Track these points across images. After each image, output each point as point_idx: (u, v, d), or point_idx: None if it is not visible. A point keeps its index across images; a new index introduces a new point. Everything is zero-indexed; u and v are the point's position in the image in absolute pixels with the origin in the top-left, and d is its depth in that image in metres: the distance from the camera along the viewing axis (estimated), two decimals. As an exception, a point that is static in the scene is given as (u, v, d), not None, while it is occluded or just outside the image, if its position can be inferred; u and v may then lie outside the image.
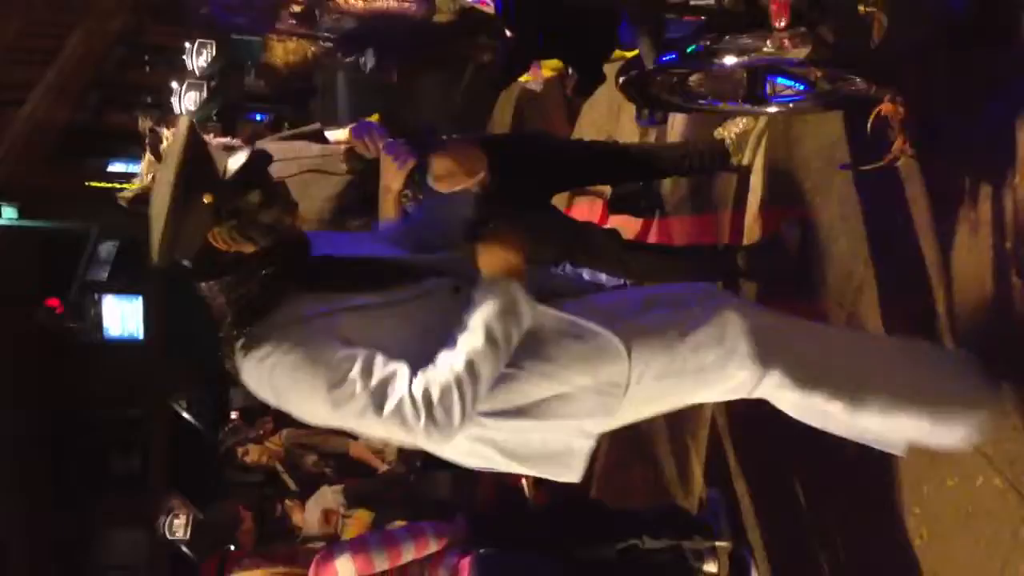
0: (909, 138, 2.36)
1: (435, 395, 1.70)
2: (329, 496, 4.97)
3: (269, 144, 2.67)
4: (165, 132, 1.78)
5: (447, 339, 1.75)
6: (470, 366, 1.72)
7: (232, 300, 1.76)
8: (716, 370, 1.88)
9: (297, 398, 1.76)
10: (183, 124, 1.72)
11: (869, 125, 2.41)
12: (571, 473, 1.92)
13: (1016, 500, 2.04)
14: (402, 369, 1.72)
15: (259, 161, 1.78)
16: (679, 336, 1.87)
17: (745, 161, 3.35)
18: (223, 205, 1.71)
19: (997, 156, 2.11)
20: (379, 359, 1.72)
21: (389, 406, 1.70)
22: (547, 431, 1.87)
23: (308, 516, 5.03)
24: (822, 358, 1.95)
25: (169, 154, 1.70)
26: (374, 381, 1.70)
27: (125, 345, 8.57)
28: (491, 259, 1.80)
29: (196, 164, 1.70)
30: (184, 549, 6.82)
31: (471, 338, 1.74)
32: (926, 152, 2.38)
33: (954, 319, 2.26)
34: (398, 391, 1.70)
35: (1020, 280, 2.05)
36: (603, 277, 3.89)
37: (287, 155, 2.59)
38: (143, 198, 1.75)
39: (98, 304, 8.59)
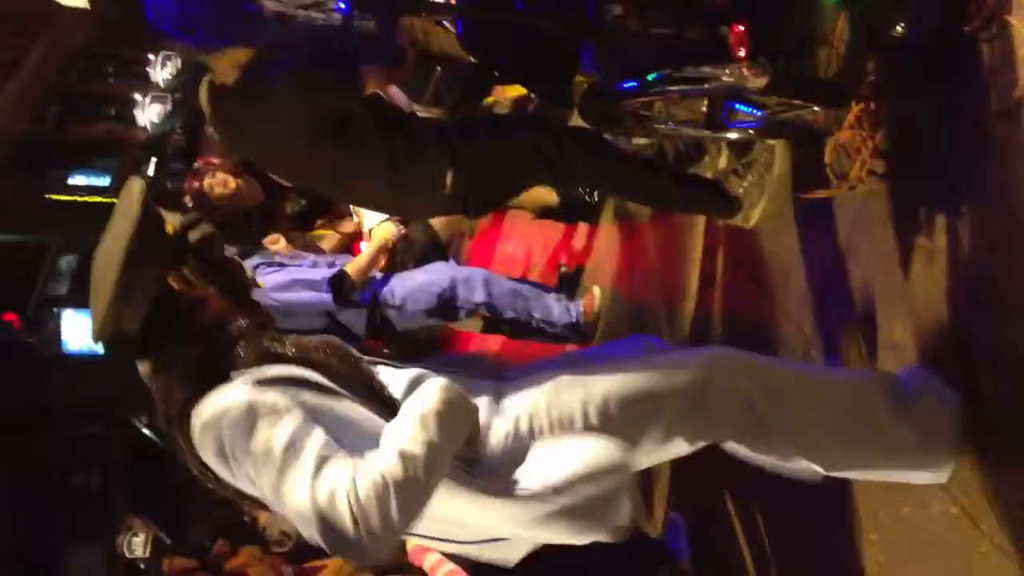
0: (867, 165, 2.39)
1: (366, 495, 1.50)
2: None
3: None
4: None
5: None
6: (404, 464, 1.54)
7: (187, 359, 1.66)
8: None
9: (249, 451, 1.58)
10: (135, 188, 1.70)
11: (827, 153, 2.44)
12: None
13: (970, 528, 2.06)
14: (347, 463, 1.56)
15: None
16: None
17: (751, 223, 3.04)
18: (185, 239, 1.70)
19: (951, 185, 2.14)
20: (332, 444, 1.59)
21: (323, 491, 1.51)
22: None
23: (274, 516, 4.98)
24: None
25: (121, 221, 1.67)
26: (322, 457, 1.55)
27: (84, 360, 8.43)
28: None
29: (148, 234, 1.66)
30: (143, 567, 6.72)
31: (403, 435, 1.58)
32: (882, 180, 2.41)
33: (909, 345, 2.28)
34: (339, 479, 1.52)
35: (972, 308, 2.07)
36: (553, 310, 3.91)
37: None
38: None
39: (57, 318, 8.45)
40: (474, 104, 2.81)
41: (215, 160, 4.07)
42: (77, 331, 8.37)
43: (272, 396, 1.60)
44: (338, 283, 3.65)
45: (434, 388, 1.65)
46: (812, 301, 2.72)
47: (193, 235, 1.73)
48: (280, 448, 1.55)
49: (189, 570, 4.81)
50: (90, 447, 9.11)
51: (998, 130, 2.02)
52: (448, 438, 1.60)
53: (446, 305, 3.82)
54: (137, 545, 6.82)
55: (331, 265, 3.80)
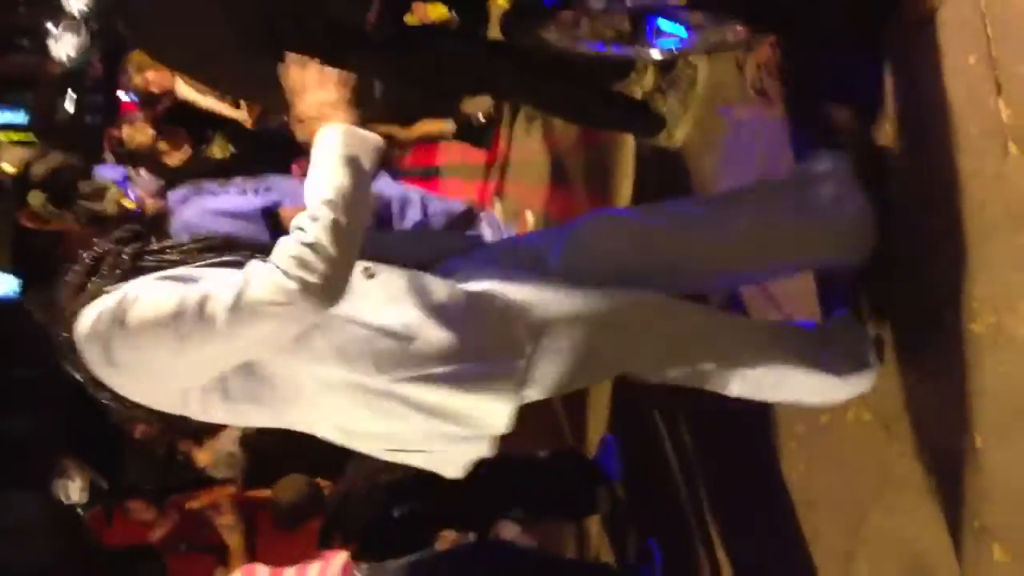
0: (782, 83, 2.40)
1: (296, 249, 1.47)
2: (230, 437, 4.90)
3: None
4: None
5: None
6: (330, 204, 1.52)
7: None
8: None
9: (144, 354, 1.49)
10: None
11: (748, 71, 2.44)
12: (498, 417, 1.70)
13: (884, 435, 2.13)
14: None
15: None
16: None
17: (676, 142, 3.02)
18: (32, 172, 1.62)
19: (866, 96, 2.16)
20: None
21: (250, 291, 1.45)
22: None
23: (210, 453, 4.97)
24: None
25: None
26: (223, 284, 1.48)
27: (6, 304, 8.19)
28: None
29: None
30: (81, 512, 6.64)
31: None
32: (801, 98, 2.42)
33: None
34: (252, 273, 1.48)
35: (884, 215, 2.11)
36: (486, 233, 3.89)
37: None
38: None
39: (-27, 262, 8.18)
40: (395, 21, 2.74)
41: (136, 112, 4.24)
42: (-5, 275, 8.13)
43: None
44: (274, 220, 3.55)
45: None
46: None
47: (36, 170, 1.66)
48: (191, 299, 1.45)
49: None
50: (19, 392, 8.94)
51: (911, 40, 2.03)
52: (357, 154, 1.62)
53: (380, 223, 3.73)
54: (73, 490, 6.72)
55: (258, 191, 3.67)
